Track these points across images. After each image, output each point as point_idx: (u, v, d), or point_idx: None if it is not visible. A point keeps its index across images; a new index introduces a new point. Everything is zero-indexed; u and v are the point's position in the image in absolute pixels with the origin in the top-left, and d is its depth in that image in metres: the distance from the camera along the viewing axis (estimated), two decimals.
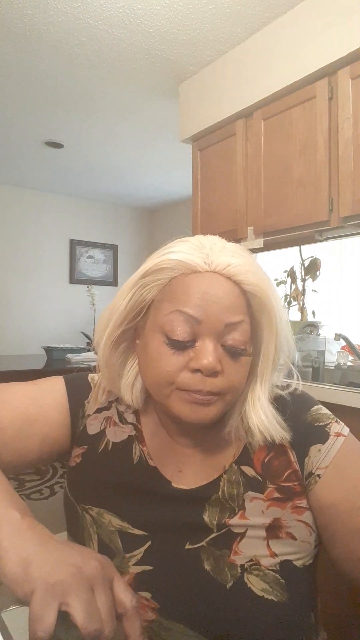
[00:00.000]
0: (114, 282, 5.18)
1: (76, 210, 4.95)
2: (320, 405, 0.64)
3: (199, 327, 0.53)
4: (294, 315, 2.33)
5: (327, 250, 2.63)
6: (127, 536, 0.59)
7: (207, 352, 0.53)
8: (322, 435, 0.60)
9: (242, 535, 0.57)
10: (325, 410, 0.63)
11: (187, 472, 0.61)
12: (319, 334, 2.08)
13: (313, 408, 0.63)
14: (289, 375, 0.64)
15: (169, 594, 0.56)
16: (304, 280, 2.34)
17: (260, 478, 0.59)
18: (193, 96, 2.45)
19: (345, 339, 1.94)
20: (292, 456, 0.60)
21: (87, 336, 4.16)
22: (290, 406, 0.62)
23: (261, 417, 0.58)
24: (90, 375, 0.71)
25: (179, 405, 0.55)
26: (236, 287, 0.55)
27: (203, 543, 0.57)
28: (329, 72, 1.78)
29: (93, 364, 0.68)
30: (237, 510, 0.58)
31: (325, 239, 1.96)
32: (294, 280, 2.37)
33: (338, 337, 2.10)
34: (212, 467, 0.61)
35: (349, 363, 1.90)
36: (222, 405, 0.56)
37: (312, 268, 2.31)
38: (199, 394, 0.53)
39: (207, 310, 0.53)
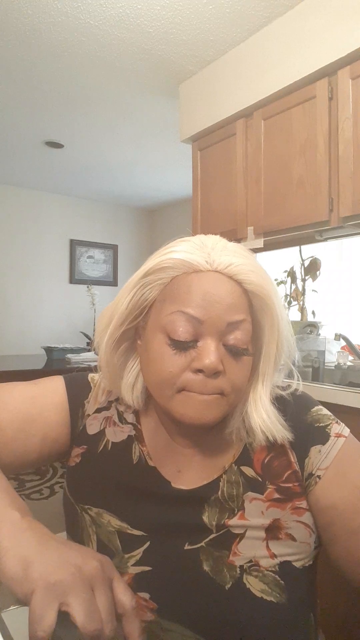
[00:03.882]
0: (114, 282, 5.17)
1: (76, 210, 4.94)
2: (320, 406, 0.64)
3: (201, 327, 0.53)
4: (294, 315, 2.33)
5: (327, 250, 2.62)
6: (126, 536, 0.59)
7: (209, 352, 0.52)
8: (322, 436, 0.60)
9: (242, 536, 0.57)
10: (325, 411, 0.63)
11: (186, 473, 0.61)
12: (319, 334, 2.08)
13: (313, 409, 0.63)
14: (290, 375, 0.64)
15: (167, 595, 0.56)
16: (304, 280, 2.34)
17: (260, 479, 0.59)
18: (193, 96, 2.45)
19: (345, 339, 1.94)
20: (292, 457, 0.60)
21: (87, 336, 4.16)
22: (290, 407, 0.62)
23: (263, 416, 0.58)
24: (90, 375, 0.71)
25: (181, 408, 0.54)
26: (238, 287, 0.55)
27: (202, 544, 0.57)
28: (329, 72, 1.78)
29: (93, 364, 0.68)
30: (236, 511, 0.58)
31: (325, 239, 1.96)
32: (294, 280, 2.37)
33: (338, 337, 2.10)
34: (212, 468, 0.61)
35: (349, 363, 1.90)
36: (225, 406, 0.55)
37: (312, 268, 2.31)
38: (202, 396, 0.53)
39: (209, 310, 0.53)
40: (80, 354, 3.28)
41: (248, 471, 0.60)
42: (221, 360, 0.53)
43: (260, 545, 0.56)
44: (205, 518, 0.58)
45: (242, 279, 0.55)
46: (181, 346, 0.54)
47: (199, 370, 0.53)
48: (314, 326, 2.10)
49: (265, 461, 0.60)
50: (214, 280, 0.54)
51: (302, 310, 2.31)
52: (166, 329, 0.54)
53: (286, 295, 2.37)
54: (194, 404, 0.54)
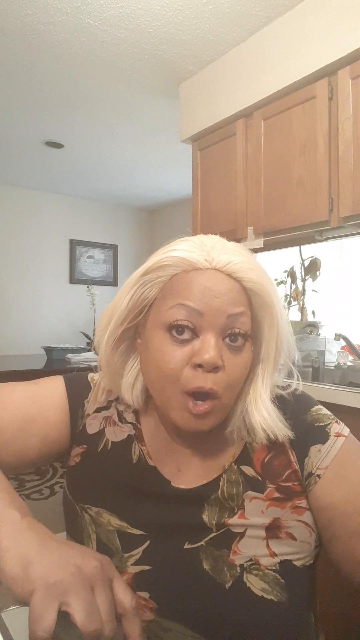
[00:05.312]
0: (114, 282, 5.18)
1: (76, 210, 4.95)
2: (320, 406, 0.64)
3: (201, 320, 0.54)
4: (294, 315, 2.33)
5: (327, 250, 2.62)
6: (126, 536, 0.59)
7: (209, 347, 0.53)
8: (322, 436, 0.60)
9: (242, 535, 0.57)
10: (325, 411, 0.63)
11: (186, 472, 0.61)
12: (319, 334, 2.08)
13: (313, 408, 0.63)
14: (290, 375, 0.64)
15: (167, 594, 0.56)
16: (304, 280, 2.34)
17: (260, 478, 0.59)
18: (193, 96, 2.45)
19: (345, 339, 1.94)
20: (292, 456, 0.60)
21: (87, 336, 4.16)
22: (290, 406, 0.62)
23: (263, 414, 0.58)
24: (90, 375, 0.71)
25: (178, 416, 0.55)
26: (237, 284, 0.55)
27: (202, 543, 0.57)
28: (329, 72, 1.78)
29: (93, 364, 0.68)
30: (236, 510, 0.58)
31: (325, 239, 1.95)
32: (294, 280, 2.37)
33: (338, 337, 2.10)
34: (212, 467, 0.61)
35: (349, 363, 1.90)
36: (220, 411, 0.56)
37: (312, 268, 2.31)
38: (197, 407, 0.53)
39: (208, 303, 0.53)
40: (80, 354, 3.28)
41: (248, 470, 0.60)
42: (221, 356, 0.53)
43: (261, 544, 0.56)
44: (205, 517, 0.58)
45: (241, 276, 0.55)
46: (181, 341, 0.54)
47: (199, 365, 0.53)
48: (314, 326, 2.10)
49: (265, 460, 0.60)
50: (214, 277, 0.54)
51: (302, 310, 2.31)
52: (167, 324, 0.54)
53: (286, 295, 2.37)
54: (189, 414, 0.54)
